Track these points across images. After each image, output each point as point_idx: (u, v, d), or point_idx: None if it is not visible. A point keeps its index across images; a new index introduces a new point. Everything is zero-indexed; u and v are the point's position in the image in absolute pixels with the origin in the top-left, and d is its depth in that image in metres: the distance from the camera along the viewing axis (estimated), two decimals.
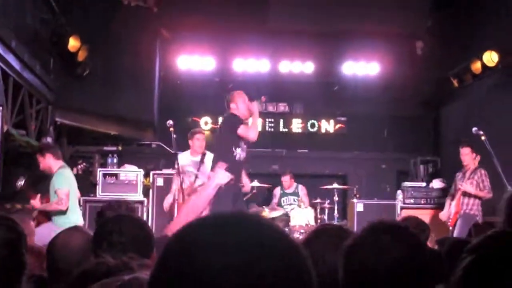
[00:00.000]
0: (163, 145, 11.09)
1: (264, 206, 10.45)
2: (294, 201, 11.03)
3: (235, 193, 7.11)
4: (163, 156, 11.12)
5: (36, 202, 7.41)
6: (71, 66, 10.16)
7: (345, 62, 12.99)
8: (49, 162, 7.54)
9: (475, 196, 8.61)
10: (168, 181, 9.62)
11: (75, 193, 7.67)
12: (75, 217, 7.46)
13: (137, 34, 11.28)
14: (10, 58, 7.98)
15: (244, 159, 7.26)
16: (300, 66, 12.93)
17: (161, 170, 10.49)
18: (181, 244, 1.04)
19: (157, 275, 1.04)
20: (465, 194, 8.68)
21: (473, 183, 8.60)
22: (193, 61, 12.75)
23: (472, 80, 11.10)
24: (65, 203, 7.31)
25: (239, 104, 7.28)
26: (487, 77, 10.67)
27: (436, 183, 10.99)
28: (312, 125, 13.15)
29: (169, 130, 8.38)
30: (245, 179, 8.38)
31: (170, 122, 8.35)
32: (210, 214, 1.15)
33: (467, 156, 8.79)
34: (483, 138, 8.10)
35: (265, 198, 11.65)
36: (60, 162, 7.67)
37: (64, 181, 7.43)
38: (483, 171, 8.60)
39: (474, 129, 8.22)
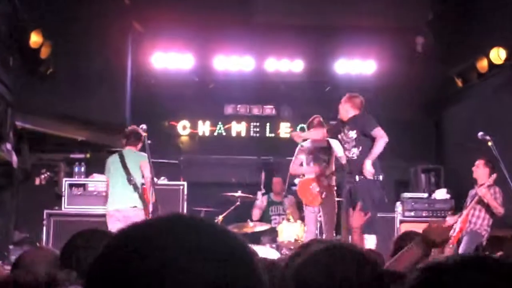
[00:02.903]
0: None
1: (248, 220, 10.43)
2: (284, 211, 11.06)
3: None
4: None
5: None
6: (33, 64, 10.13)
7: (338, 60, 13.03)
8: None
9: (487, 213, 8.74)
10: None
11: (117, 174, 8.72)
12: (110, 200, 8.73)
13: (106, 28, 11.23)
14: None
15: None
16: (288, 64, 12.96)
17: None
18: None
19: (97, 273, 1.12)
20: (475, 211, 8.81)
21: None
22: (169, 59, 12.74)
23: (477, 79, 11.19)
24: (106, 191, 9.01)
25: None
26: (494, 76, 10.76)
27: (439, 194, 11.04)
28: (302, 130, 13.14)
29: (142, 135, 8.40)
30: None
31: (144, 126, 8.37)
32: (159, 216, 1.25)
33: (479, 170, 8.94)
34: (490, 143, 8.13)
35: (250, 210, 11.59)
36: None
37: (105, 171, 8.99)
38: (497, 189, 8.76)
39: (480, 133, 8.25)
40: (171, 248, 1.09)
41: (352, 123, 8.50)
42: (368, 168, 8.09)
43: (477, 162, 9.03)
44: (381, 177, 8.32)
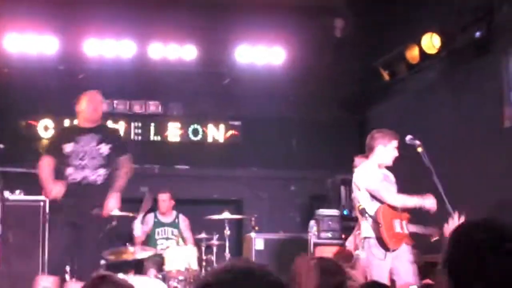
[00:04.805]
0: None
1: (128, 244, 10.38)
2: (173, 234, 11.10)
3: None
4: None
5: None
6: None
7: (238, 46, 13.11)
8: None
9: None
10: None
11: None
12: None
13: None
14: None
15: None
16: (177, 51, 12.97)
17: None
18: None
19: None
20: None
21: None
22: (27, 42, 12.55)
23: (407, 71, 11.47)
24: None
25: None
26: (427, 68, 11.07)
27: None
28: (195, 132, 13.30)
29: None
30: None
31: None
32: None
33: None
34: (419, 149, 8.02)
35: (130, 232, 11.56)
36: None
37: None
38: None
39: (408, 137, 8.18)
40: None
41: (104, 132, 8.43)
42: (115, 205, 8.23)
43: (357, 159, 9.36)
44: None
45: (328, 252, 10.16)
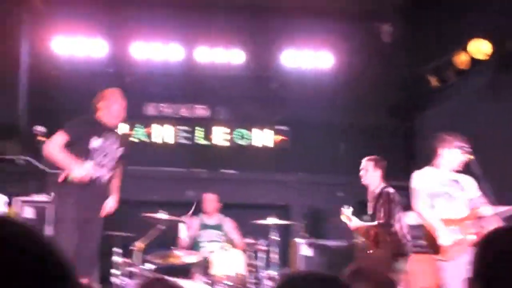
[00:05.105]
0: (33, 160, 11.01)
1: (172, 247, 10.41)
2: (217, 237, 11.12)
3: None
4: (33, 176, 11.00)
5: None
6: None
7: (286, 50, 13.19)
8: None
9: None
10: (40, 211, 9.62)
11: None
12: None
13: None
14: None
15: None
16: (225, 55, 13.06)
17: (29, 195, 10.40)
18: None
19: None
20: None
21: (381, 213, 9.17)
22: (76, 44, 12.74)
23: (456, 77, 11.45)
24: None
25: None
26: (476, 74, 11.03)
27: (410, 218, 11.21)
28: (242, 136, 13.38)
29: (39, 140, 8.37)
30: None
31: (40, 128, 8.35)
32: None
33: (368, 174, 9.64)
34: (470, 156, 8.02)
35: (176, 235, 11.63)
36: None
37: None
38: (386, 197, 9.25)
39: (456, 144, 8.16)
40: None
41: (121, 135, 8.45)
42: (114, 205, 8.28)
43: (364, 163, 9.63)
44: None
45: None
